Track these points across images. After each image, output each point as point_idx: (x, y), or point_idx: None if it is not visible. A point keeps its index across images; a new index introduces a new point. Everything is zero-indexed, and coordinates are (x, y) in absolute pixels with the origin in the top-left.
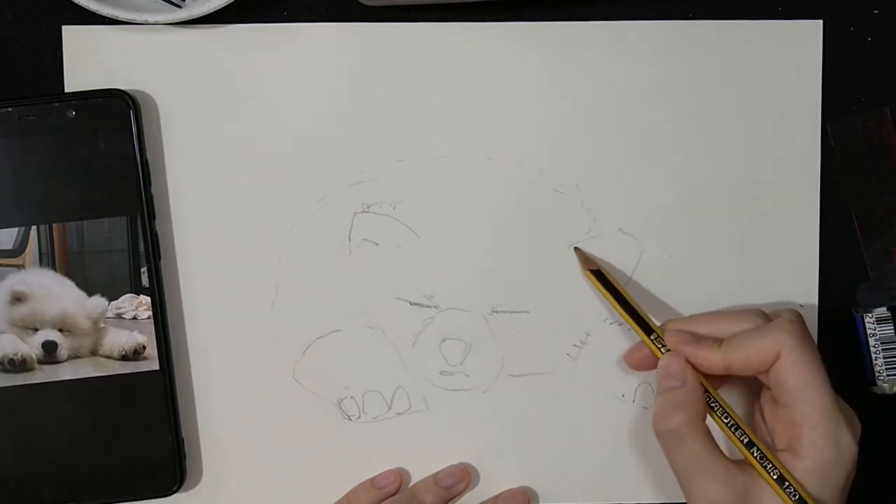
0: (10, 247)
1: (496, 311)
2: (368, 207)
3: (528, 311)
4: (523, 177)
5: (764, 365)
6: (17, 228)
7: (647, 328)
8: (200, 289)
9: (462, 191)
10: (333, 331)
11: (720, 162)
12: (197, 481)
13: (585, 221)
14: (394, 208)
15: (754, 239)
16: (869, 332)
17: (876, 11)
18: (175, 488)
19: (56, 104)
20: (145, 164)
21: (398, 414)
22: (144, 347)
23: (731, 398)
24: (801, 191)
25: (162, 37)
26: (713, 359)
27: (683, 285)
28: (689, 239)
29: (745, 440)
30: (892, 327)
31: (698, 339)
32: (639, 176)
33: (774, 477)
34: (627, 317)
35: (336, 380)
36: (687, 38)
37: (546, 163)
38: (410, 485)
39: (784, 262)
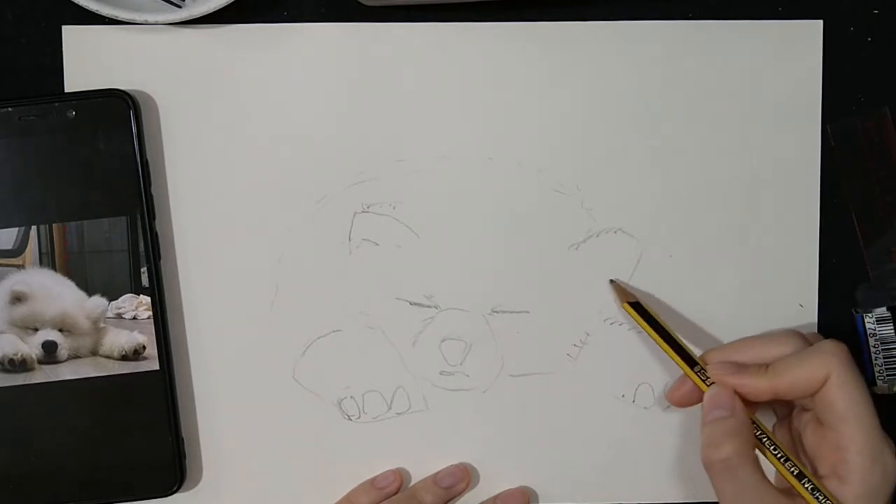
0: (10, 247)
1: (496, 311)
2: (368, 207)
3: (528, 311)
4: (523, 177)
5: (812, 388)
6: (17, 228)
7: (690, 361)
8: (200, 289)
9: (462, 191)
10: (333, 331)
11: (720, 162)
12: (197, 481)
13: (585, 221)
14: (394, 208)
15: (754, 239)
16: (869, 332)
17: (876, 11)
18: (175, 488)
19: (56, 104)
20: (145, 164)
21: (398, 414)
22: (144, 347)
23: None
24: (801, 191)
25: (162, 37)
26: (760, 386)
27: (683, 285)
28: (689, 239)
29: (795, 471)
30: (892, 327)
31: (742, 368)
32: (639, 176)
33: None
34: (670, 350)
35: (336, 380)
36: (687, 38)
37: (546, 163)
38: (410, 485)
39: (784, 262)
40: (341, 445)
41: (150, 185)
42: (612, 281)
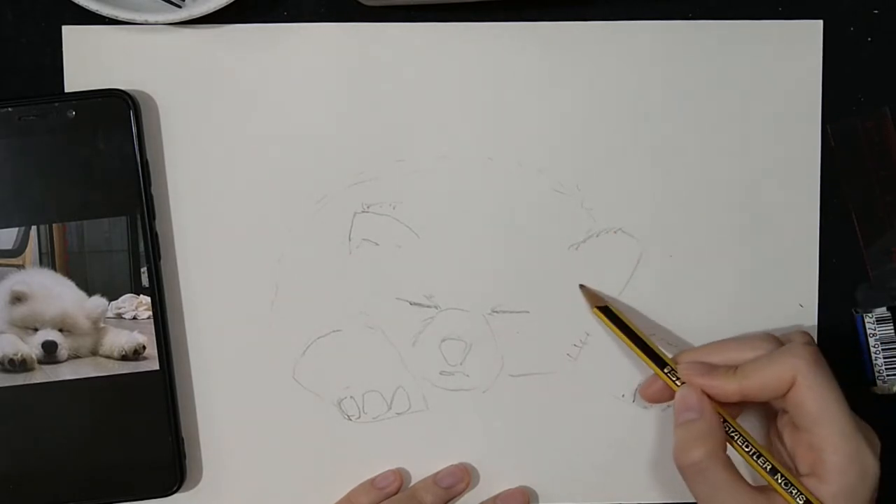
0: (10, 247)
1: (496, 311)
2: (368, 207)
3: (528, 311)
4: (523, 177)
5: (780, 390)
6: (17, 228)
7: (660, 362)
8: (200, 289)
9: (462, 191)
10: (333, 331)
11: (720, 162)
12: (197, 481)
13: (585, 221)
14: (394, 208)
15: (754, 239)
16: (869, 332)
17: (876, 11)
18: (175, 488)
19: (56, 104)
20: (145, 164)
21: (398, 414)
22: (144, 347)
23: (749, 426)
24: (801, 191)
25: (162, 37)
26: (728, 388)
27: (683, 285)
28: (689, 239)
29: (769, 467)
30: (892, 327)
31: (712, 369)
32: (639, 176)
33: (801, 502)
34: (640, 352)
35: (336, 380)
36: (687, 38)
37: (546, 163)
38: (410, 485)
39: (784, 262)
40: (341, 445)
41: (150, 185)
42: (581, 286)
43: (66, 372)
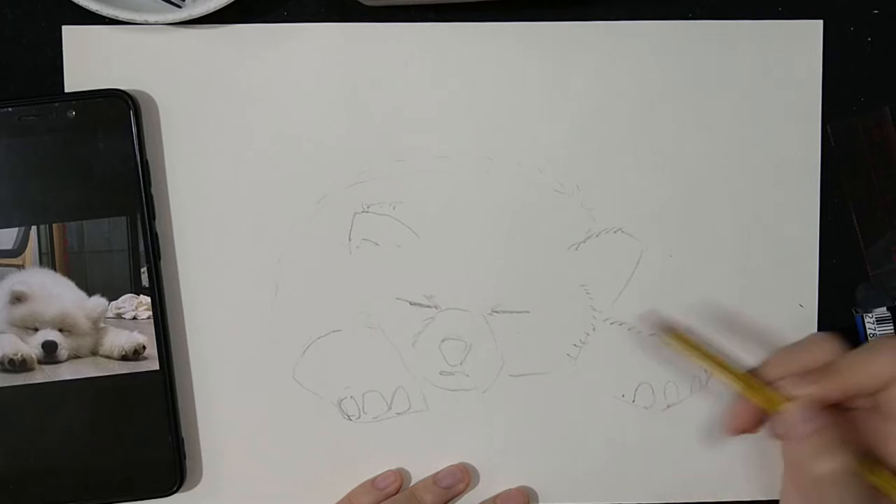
0: (10, 247)
1: (496, 311)
2: (368, 207)
3: (528, 311)
4: (523, 177)
5: (879, 385)
6: (17, 228)
7: (752, 384)
8: (200, 289)
9: (462, 191)
10: (333, 331)
11: (720, 162)
12: (197, 481)
13: (585, 221)
14: (394, 208)
15: (754, 239)
16: (869, 332)
17: (876, 11)
18: (175, 488)
19: (56, 104)
20: (145, 164)
21: (398, 414)
22: (144, 347)
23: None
24: (801, 191)
25: (162, 37)
26: (833, 386)
27: (683, 285)
28: (689, 239)
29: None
30: (892, 327)
31: (809, 375)
32: (639, 176)
33: None
34: (728, 375)
35: (336, 380)
36: (687, 38)
37: (546, 163)
38: (410, 485)
39: (784, 261)
40: (341, 445)
41: (150, 185)
42: (652, 314)
43: (66, 372)
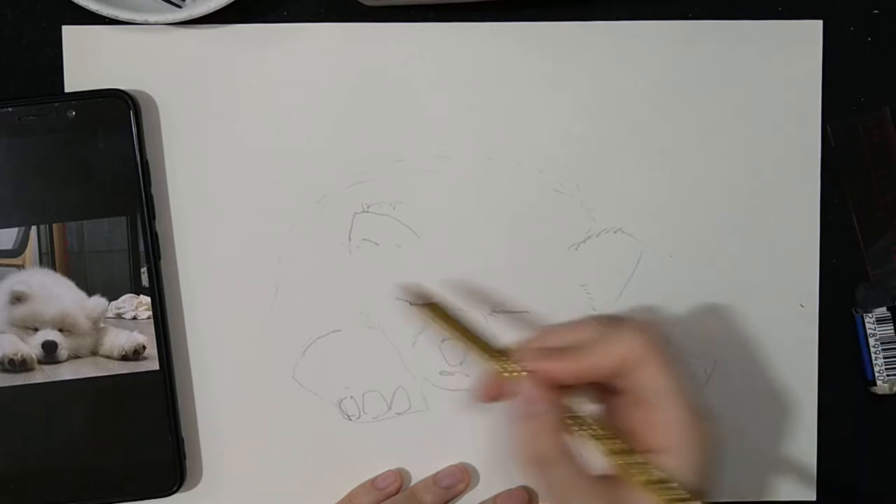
0: (10, 247)
1: (496, 311)
2: (368, 207)
3: (528, 311)
4: (523, 177)
5: (621, 368)
6: (17, 228)
7: (495, 356)
8: (200, 289)
9: (462, 191)
10: (333, 331)
11: (720, 162)
12: (197, 481)
13: (585, 221)
14: (394, 208)
15: (754, 239)
16: (869, 332)
17: (876, 11)
18: (175, 488)
19: (56, 104)
20: (145, 164)
21: (398, 414)
22: (144, 347)
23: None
24: (801, 191)
25: (162, 37)
26: (568, 367)
27: (683, 285)
28: (689, 239)
29: (616, 447)
30: (892, 327)
31: (549, 351)
32: (639, 176)
33: (653, 480)
34: (476, 347)
35: (336, 380)
36: (687, 38)
37: (546, 163)
38: (410, 485)
39: (784, 262)
40: (341, 445)
41: (150, 185)
42: (402, 285)
43: (66, 372)
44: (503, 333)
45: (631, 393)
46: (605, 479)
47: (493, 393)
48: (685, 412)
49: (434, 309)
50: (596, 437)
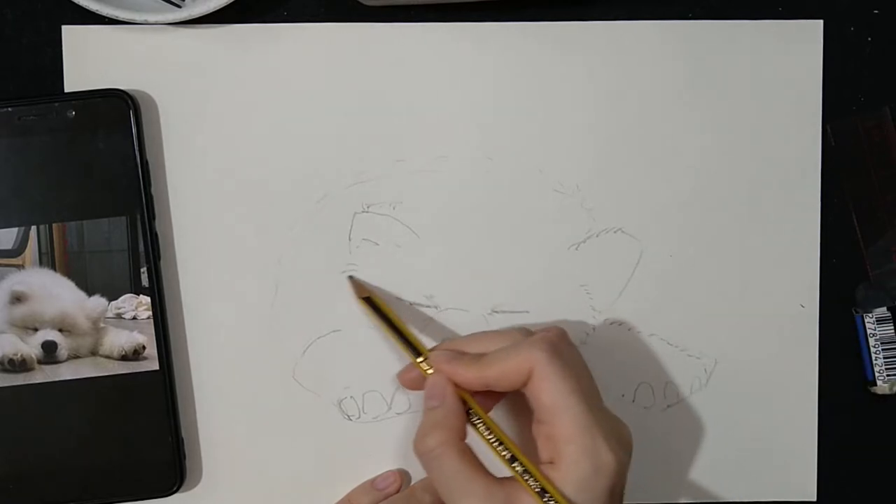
0: (10, 247)
1: (496, 311)
2: (368, 207)
3: (528, 311)
4: (523, 177)
5: (519, 380)
6: (17, 228)
7: (415, 351)
8: (200, 289)
9: (462, 191)
10: (333, 331)
11: (720, 162)
12: (197, 481)
13: (585, 221)
14: (394, 208)
15: (754, 239)
16: (869, 332)
17: (876, 11)
18: (175, 488)
19: (56, 104)
20: (145, 164)
21: (398, 414)
22: (144, 347)
23: (505, 416)
24: (801, 191)
25: (162, 37)
26: (469, 375)
27: (683, 285)
28: (689, 239)
29: (508, 455)
30: (892, 327)
31: (458, 356)
32: (639, 176)
33: (537, 490)
34: (398, 341)
35: (336, 380)
36: (687, 38)
37: (546, 163)
38: (410, 485)
39: (784, 262)
40: (341, 445)
41: (150, 185)
42: (350, 277)
43: (66, 372)
44: None
45: (533, 405)
46: (503, 482)
47: (411, 384)
48: (572, 429)
49: (369, 302)
50: (490, 442)
